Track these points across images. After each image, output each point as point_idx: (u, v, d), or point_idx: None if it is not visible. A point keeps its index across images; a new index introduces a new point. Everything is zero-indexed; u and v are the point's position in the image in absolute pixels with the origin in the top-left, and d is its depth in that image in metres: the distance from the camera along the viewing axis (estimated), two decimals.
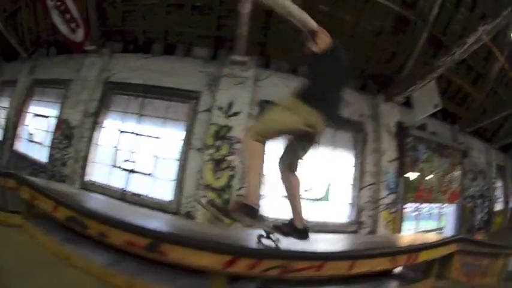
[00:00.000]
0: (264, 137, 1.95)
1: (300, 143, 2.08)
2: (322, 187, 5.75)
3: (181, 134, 5.55)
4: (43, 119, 7.25)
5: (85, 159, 5.75)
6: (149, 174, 5.53)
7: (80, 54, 6.35)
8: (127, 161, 5.59)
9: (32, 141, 7.48)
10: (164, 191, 5.39)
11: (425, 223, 7.06)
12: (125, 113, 5.85)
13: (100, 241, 2.04)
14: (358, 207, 5.79)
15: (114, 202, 4.68)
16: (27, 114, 7.80)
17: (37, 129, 7.33)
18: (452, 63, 5.20)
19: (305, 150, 2.11)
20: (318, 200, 5.68)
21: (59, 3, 6.10)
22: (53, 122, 6.63)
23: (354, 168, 5.95)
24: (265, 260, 1.75)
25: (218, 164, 5.21)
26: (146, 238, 1.77)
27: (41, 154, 6.78)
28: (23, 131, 8.19)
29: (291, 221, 2.11)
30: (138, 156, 5.61)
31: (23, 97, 7.85)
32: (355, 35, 5.70)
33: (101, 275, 1.89)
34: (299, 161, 2.13)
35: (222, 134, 5.29)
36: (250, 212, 1.89)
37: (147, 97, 5.74)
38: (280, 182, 2.16)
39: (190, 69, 5.80)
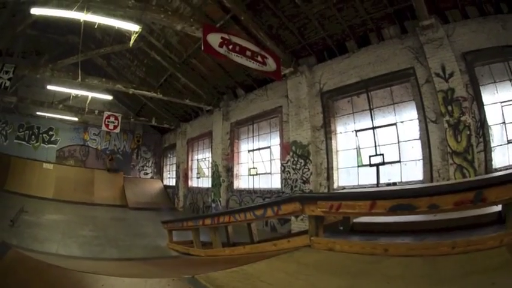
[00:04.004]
0: None
1: None
2: None
3: (414, 112, 5.74)
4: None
5: (328, 169, 6.40)
6: (398, 162, 5.84)
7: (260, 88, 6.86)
8: (373, 156, 6.01)
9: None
10: (413, 173, 5.66)
11: None
12: (354, 113, 6.32)
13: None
14: None
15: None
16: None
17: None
18: None
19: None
20: None
21: (230, 46, 6.78)
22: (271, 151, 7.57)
23: None
24: None
25: (455, 127, 5.27)
26: (471, 192, 1.94)
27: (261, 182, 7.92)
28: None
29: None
30: (383, 148, 5.98)
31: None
32: None
33: (422, 252, 2.07)
34: None
35: (449, 98, 5.32)
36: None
37: (369, 91, 6.09)
38: None
39: (393, 50, 5.97)
